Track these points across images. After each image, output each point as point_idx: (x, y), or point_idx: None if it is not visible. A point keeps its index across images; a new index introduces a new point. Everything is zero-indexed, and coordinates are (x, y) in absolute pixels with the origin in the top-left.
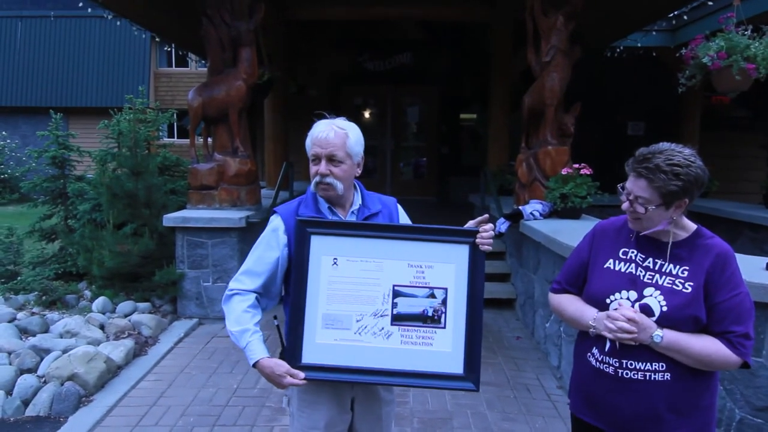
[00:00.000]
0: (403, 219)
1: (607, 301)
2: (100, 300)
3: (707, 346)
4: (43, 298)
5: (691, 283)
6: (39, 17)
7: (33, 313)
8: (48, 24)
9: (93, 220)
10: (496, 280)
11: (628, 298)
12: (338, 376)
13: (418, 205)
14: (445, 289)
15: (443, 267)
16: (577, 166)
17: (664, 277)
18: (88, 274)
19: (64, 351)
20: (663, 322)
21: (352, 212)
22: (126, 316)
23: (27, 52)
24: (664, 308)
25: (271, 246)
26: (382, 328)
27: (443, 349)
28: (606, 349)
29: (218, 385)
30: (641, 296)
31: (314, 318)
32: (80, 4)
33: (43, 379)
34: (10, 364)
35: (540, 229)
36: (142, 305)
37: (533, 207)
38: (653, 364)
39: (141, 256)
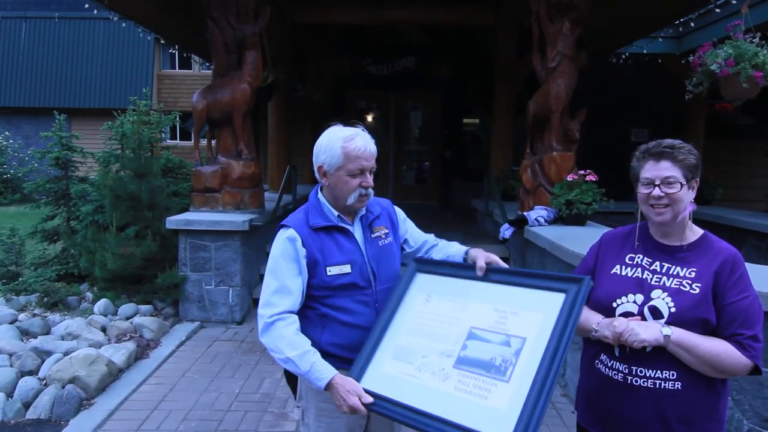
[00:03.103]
0: (401, 217)
1: (614, 305)
2: (102, 302)
3: (717, 345)
4: (45, 299)
5: (699, 285)
6: (43, 18)
7: (34, 315)
8: (52, 25)
9: (95, 221)
10: None
11: (635, 302)
12: (389, 409)
13: (420, 210)
14: (524, 339)
15: (529, 315)
16: (582, 172)
17: (671, 279)
18: (90, 275)
19: (66, 353)
20: (672, 323)
21: (359, 218)
22: (128, 318)
23: (31, 53)
24: (673, 309)
25: (295, 261)
26: (443, 369)
27: (498, 406)
28: (616, 355)
29: (220, 389)
30: (648, 299)
31: (388, 347)
32: (86, 6)
33: (44, 381)
34: (11, 366)
35: (545, 236)
36: (143, 308)
37: (538, 213)
38: (663, 372)
39: (143, 258)
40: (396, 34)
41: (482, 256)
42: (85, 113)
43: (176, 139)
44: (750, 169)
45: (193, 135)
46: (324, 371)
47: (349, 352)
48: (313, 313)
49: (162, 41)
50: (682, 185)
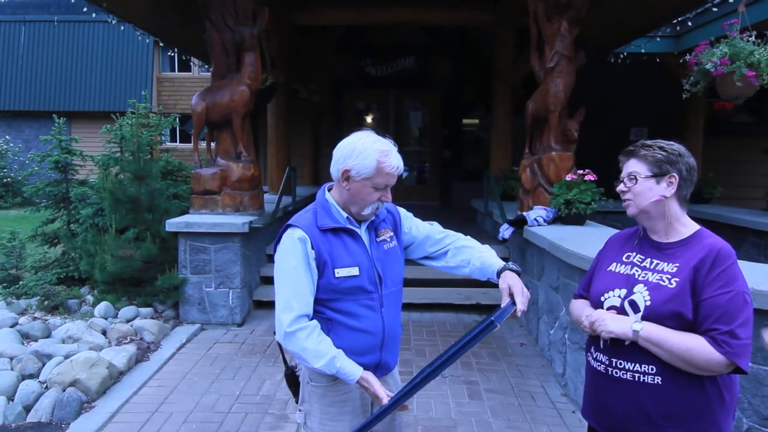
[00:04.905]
0: (404, 218)
1: (602, 299)
2: (102, 305)
3: (686, 340)
4: (45, 302)
5: (677, 279)
6: (42, 22)
7: (35, 318)
8: (51, 28)
9: (95, 224)
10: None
11: (619, 296)
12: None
13: (420, 211)
14: None
15: None
16: (581, 171)
17: (655, 274)
18: (90, 278)
19: (66, 356)
20: (648, 317)
21: (366, 221)
22: (128, 321)
23: (30, 57)
24: (648, 303)
25: (306, 262)
26: None
27: None
28: (600, 347)
29: (220, 391)
30: (630, 293)
31: None
32: (84, 9)
33: (45, 384)
34: (12, 369)
35: (544, 236)
36: (144, 310)
37: (537, 213)
38: (642, 365)
39: (143, 260)
40: (395, 35)
41: (516, 291)
42: (85, 116)
43: (176, 142)
44: (749, 167)
45: (192, 137)
46: (351, 373)
47: (354, 357)
48: (318, 317)
49: (161, 44)
50: (637, 179)
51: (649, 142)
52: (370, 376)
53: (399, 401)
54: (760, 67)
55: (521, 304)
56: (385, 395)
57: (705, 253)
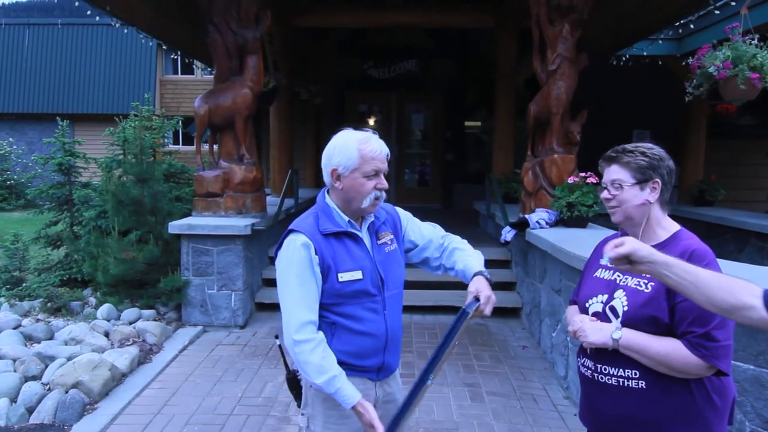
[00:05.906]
0: (405, 220)
1: (587, 305)
2: (105, 307)
3: (665, 346)
4: (48, 304)
5: (653, 283)
6: (46, 25)
7: (38, 320)
8: (55, 32)
9: (98, 226)
10: (501, 288)
11: (601, 302)
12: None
13: (422, 213)
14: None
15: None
16: (583, 174)
17: (634, 278)
18: (93, 280)
19: (69, 358)
20: (626, 322)
21: (367, 224)
22: (131, 323)
23: (34, 60)
24: (625, 308)
25: (311, 268)
26: None
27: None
28: (587, 353)
29: (222, 393)
30: (611, 298)
31: None
32: (88, 12)
33: (48, 386)
34: (15, 371)
35: (546, 238)
36: (146, 312)
37: (539, 215)
38: (626, 370)
39: (146, 263)
40: (397, 37)
41: (483, 298)
42: (88, 119)
43: (178, 144)
44: (752, 169)
45: (195, 140)
46: (349, 396)
47: (358, 359)
48: (322, 321)
49: (164, 47)
50: (623, 187)
51: (629, 147)
52: (367, 404)
53: (401, 417)
54: (763, 70)
55: (484, 305)
56: (380, 426)
57: (678, 255)
